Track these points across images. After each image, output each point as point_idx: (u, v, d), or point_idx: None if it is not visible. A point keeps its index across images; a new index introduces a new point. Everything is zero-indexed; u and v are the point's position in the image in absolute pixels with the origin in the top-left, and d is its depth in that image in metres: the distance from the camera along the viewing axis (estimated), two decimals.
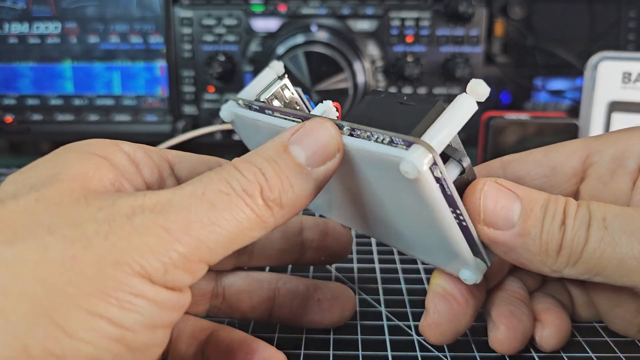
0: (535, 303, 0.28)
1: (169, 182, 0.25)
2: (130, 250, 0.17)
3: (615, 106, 0.48)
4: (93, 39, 0.59)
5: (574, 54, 0.65)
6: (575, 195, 0.26)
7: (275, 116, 0.25)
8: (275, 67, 0.29)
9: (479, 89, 0.20)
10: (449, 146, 0.21)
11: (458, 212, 0.21)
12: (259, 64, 0.57)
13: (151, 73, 0.60)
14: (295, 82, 0.52)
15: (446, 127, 0.20)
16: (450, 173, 0.22)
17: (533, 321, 0.27)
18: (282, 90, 0.27)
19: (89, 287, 0.16)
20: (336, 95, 0.53)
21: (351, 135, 0.21)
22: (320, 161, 0.21)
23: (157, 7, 0.58)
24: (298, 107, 0.27)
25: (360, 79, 0.55)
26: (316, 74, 0.53)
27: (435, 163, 0.19)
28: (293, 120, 0.24)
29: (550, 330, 0.27)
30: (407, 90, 0.59)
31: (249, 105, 0.27)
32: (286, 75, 0.27)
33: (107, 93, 0.60)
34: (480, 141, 0.55)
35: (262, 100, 0.26)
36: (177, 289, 0.18)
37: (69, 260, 0.16)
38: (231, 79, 0.59)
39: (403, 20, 0.58)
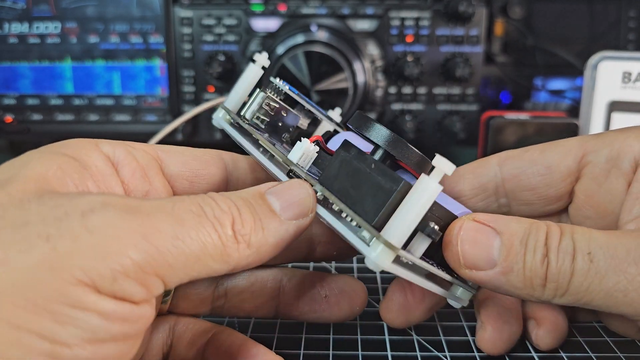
0: (530, 302, 0.28)
1: (155, 182, 0.24)
2: (74, 255, 0.16)
3: (615, 106, 0.48)
4: (93, 39, 0.59)
5: (574, 54, 0.65)
6: (570, 195, 0.26)
7: (251, 140, 0.26)
8: (260, 60, 0.28)
9: (444, 168, 0.19)
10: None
11: (431, 263, 0.22)
12: None
13: (151, 73, 0.60)
14: (295, 82, 0.53)
15: (410, 216, 0.19)
16: (419, 247, 0.22)
17: (521, 324, 0.27)
18: (266, 103, 0.27)
19: (17, 298, 0.15)
20: (336, 95, 0.53)
21: (325, 200, 0.22)
22: (294, 215, 0.21)
23: (157, 6, 0.58)
24: (285, 114, 0.28)
25: (360, 78, 0.55)
26: (316, 73, 0.53)
27: (399, 255, 0.20)
28: (269, 152, 0.25)
29: (546, 328, 0.27)
30: (407, 90, 0.59)
31: (231, 122, 0.28)
32: (272, 79, 0.27)
33: (107, 93, 0.60)
34: (480, 141, 0.55)
35: (246, 116, 0.27)
36: (129, 301, 0.17)
37: (1, 264, 0.15)
38: (231, 79, 0.59)
39: (403, 20, 0.58)
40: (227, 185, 0.27)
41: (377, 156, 0.24)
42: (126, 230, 0.17)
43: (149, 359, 0.25)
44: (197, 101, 0.60)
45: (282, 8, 0.58)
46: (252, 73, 0.29)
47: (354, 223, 0.21)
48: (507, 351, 0.27)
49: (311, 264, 0.37)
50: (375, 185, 0.21)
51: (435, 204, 0.22)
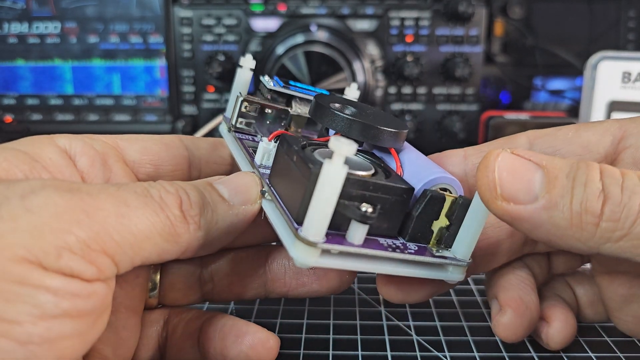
0: (540, 300, 0.27)
1: (116, 169, 0.24)
2: (16, 233, 0.16)
3: (615, 106, 0.48)
4: (93, 39, 0.59)
5: (574, 54, 0.65)
6: None
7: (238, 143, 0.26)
8: (246, 64, 0.29)
9: (342, 150, 0.17)
10: (342, 204, 0.19)
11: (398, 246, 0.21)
12: (259, 63, 0.57)
13: (151, 73, 0.60)
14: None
15: (319, 205, 0.18)
16: (356, 233, 0.20)
17: (539, 312, 0.26)
18: (244, 106, 0.27)
19: None
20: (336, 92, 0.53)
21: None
22: (241, 201, 0.21)
23: (156, 6, 0.58)
24: (270, 112, 0.28)
25: (360, 78, 0.55)
26: (316, 73, 0.53)
27: (325, 249, 0.19)
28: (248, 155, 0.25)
29: (557, 327, 0.26)
30: (407, 90, 0.59)
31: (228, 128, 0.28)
32: (261, 78, 0.28)
33: (106, 93, 0.60)
34: (480, 141, 0.55)
35: (232, 123, 0.27)
36: (79, 278, 0.17)
37: None
38: (231, 79, 0.58)
39: (403, 20, 0.58)
40: (190, 167, 0.27)
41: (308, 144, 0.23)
42: (68, 208, 0.17)
43: (143, 353, 0.25)
44: (197, 101, 0.60)
45: (282, 8, 0.58)
46: (241, 78, 0.29)
47: (286, 223, 0.20)
48: (523, 338, 0.26)
49: None
50: (296, 178, 0.20)
51: (370, 182, 0.20)
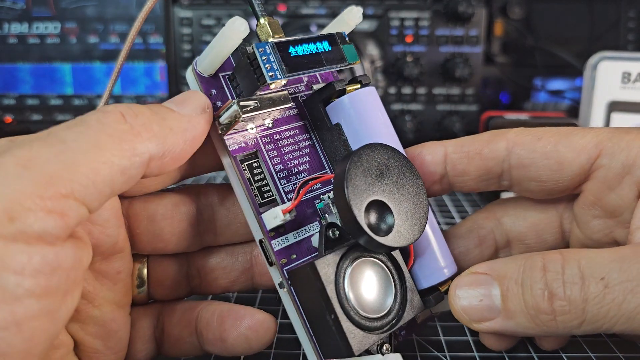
0: None
1: None
2: None
3: (615, 106, 0.48)
4: (93, 39, 0.59)
5: (574, 54, 0.65)
6: (578, 193, 0.26)
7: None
8: (236, 30, 0.23)
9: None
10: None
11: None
12: None
13: (151, 73, 0.60)
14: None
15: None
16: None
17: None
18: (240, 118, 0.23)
19: None
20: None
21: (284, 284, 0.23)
22: (192, 110, 0.21)
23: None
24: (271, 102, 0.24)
25: None
26: None
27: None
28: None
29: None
30: (407, 90, 0.59)
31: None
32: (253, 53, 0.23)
33: None
34: None
35: (222, 130, 0.23)
36: (46, 242, 0.15)
37: None
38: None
39: (402, 20, 0.58)
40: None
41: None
42: (4, 169, 0.15)
43: (139, 345, 0.26)
44: None
45: (282, 8, 0.58)
46: (224, 48, 0.23)
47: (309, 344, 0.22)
48: (520, 350, 0.27)
49: None
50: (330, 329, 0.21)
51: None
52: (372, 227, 0.22)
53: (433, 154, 0.27)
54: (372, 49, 0.59)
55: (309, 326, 0.22)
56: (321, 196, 0.25)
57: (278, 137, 0.25)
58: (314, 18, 0.58)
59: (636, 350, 0.28)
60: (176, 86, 0.60)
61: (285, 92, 0.25)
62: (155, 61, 0.60)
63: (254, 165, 0.24)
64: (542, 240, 0.27)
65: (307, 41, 0.24)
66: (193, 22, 0.59)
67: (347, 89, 0.26)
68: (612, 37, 0.65)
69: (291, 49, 0.23)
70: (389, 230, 0.22)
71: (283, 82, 0.23)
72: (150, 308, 0.27)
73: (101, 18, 0.59)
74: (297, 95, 0.27)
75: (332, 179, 0.22)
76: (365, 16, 0.58)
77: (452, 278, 0.25)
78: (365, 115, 0.25)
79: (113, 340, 0.24)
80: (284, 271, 0.23)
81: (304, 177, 0.25)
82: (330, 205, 0.25)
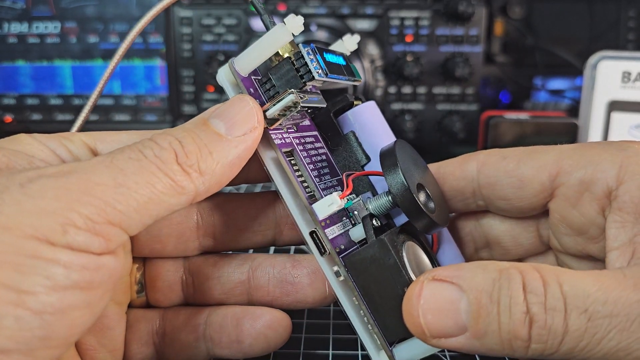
0: None
1: None
2: (21, 215, 0.17)
3: (615, 105, 0.48)
4: (92, 39, 0.59)
5: (574, 54, 0.65)
6: (545, 211, 0.26)
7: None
8: (292, 26, 0.22)
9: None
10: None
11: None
12: None
13: (151, 73, 0.60)
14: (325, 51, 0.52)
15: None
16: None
17: None
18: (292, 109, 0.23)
19: None
20: (335, 95, 0.53)
21: (345, 282, 0.23)
22: (241, 132, 0.21)
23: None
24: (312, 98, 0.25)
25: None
26: None
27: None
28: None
29: None
30: (407, 89, 0.59)
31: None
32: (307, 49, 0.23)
33: (106, 93, 0.60)
34: (480, 140, 0.55)
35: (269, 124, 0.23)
36: (88, 251, 0.17)
37: None
38: None
39: (402, 19, 0.58)
40: None
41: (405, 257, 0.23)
42: (66, 190, 0.17)
43: (135, 348, 0.26)
44: (197, 101, 0.60)
45: (282, 8, 0.58)
46: (276, 42, 0.23)
47: (369, 326, 0.23)
48: None
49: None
50: (399, 307, 0.21)
51: None
52: (426, 208, 0.23)
53: None
54: (372, 49, 0.59)
55: (371, 312, 0.22)
56: (349, 196, 0.25)
57: (304, 140, 0.26)
58: (313, 17, 0.58)
59: None
60: (176, 86, 0.60)
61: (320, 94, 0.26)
62: (156, 61, 0.60)
63: (292, 162, 0.25)
64: (519, 244, 0.27)
65: (332, 52, 0.25)
66: (193, 22, 0.59)
67: (354, 102, 0.28)
68: (612, 36, 0.65)
69: (325, 55, 0.24)
70: (433, 212, 0.23)
71: (322, 80, 0.23)
72: (149, 312, 0.27)
73: (101, 18, 0.59)
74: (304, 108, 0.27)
75: (384, 168, 0.23)
76: (365, 16, 0.59)
77: None
78: (375, 124, 0.28)
79: (107, 337, 0.24)
80: (341, 259, 0.23)
81: (330, 178, 0.26)
82: (362, 203, 0.25)
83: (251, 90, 0.23)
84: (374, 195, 0.26)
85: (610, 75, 0.48)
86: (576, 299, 0.18)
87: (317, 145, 0.27)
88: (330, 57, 0.24)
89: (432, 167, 0.27)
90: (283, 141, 0.24)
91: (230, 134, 0.21)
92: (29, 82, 0.60)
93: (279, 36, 0.22)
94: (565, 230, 0.25)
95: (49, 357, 0.17)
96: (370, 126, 0.28)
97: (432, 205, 0.24)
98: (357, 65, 0.54)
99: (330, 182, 0.26)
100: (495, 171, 0.26)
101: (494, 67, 0.65)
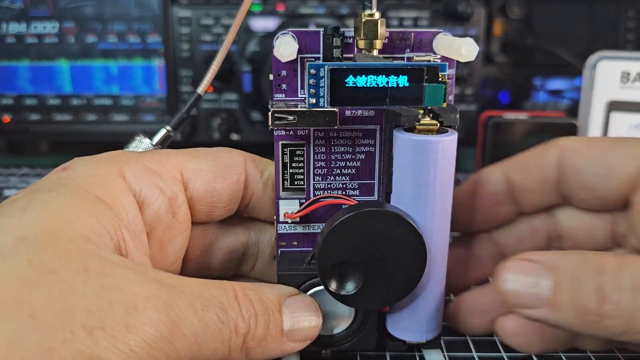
0: None
1: (179, 215, 0.24)
2: (113, 355, 0.16)
3: (614, 106, 0.48)
4: (91, 39, 0.59)
5: (573, 54, 0.65)
6: (627, 203, 0.25)
7: None
8: (286, 51, 0.26)
9: None
10: None
11: None
12: (258, 63, 0.57)
13: (149, 73, 0.60)
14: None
15: None
16: None
17: None
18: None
19: None
20: None
21: None
22: (297, 339, 0.22)
23: (155, 6, 0.58)
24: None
25: None
26: None
27: None
28: None
29: None
30: None
31: None
32: None
33: (105, 93, 0.60)
34: (479, 141, 0.55)
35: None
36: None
37: (44, 353, 0.15)
38: (230, 79, 0.58)
39: (402, 19, 0.58)
40: (245, 190, 0.27)
41: None
42: (162, 324, 0.18)
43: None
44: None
45: (281, 8, 0.58)
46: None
47: None
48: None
49: None
50: None
51: None
52: (337, 281, 0.23)
53: (491, 174, 0.27)
54: None
55: None
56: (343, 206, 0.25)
57: (335, 134, 0.25)
58: (313, 18, 0.58)
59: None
60: (175, 86, 0.60)
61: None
62: (154, 61, 0.60)
63: (297, 152, 0.25)
64: (593, 239, 0.27)
65: (378, 72, 0.20)
66: (192, 22, 0.58)
67: (417, 125, 0.22)
68: (611, 36, 0.65)
69: (350, 79, 0.20)
70: (353, 289, 0.23)
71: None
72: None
73: (99, 17, 0.59)
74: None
75: (319, 236, 0.23)
76: None
77: (428, 343, 0.26)
78: (424, 170, 0.22)
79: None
80: (278, 252, 0.26)
81: (342, 180, 0.26)
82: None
83: (283, 72, 0.26)
84: None
85: (609, 75, 0.48)
86: None
87: (362, 142, 0.25)
88: (361, 81, 0.20)
89: (509, 160, 0.27)
90: (294, 135, 0.25)
91: (289, 336, 0.22)
92: (27, 82, 0.60)
93: None
94: None
95: None
96: (423, 169, 0.22)
97: (351, 286, 0.23)
98: None
99: (347, 183, 0.26)
100: (579, 158, 0.25)
101: (493, 67, 0.65)
